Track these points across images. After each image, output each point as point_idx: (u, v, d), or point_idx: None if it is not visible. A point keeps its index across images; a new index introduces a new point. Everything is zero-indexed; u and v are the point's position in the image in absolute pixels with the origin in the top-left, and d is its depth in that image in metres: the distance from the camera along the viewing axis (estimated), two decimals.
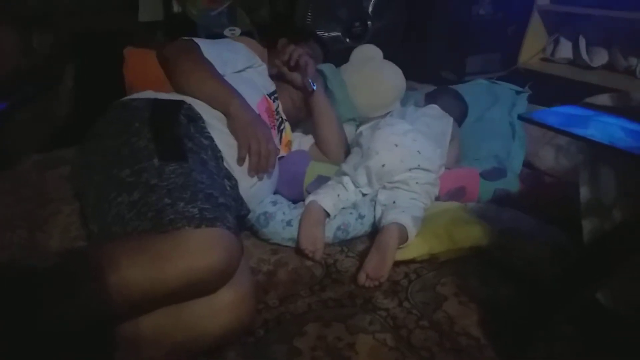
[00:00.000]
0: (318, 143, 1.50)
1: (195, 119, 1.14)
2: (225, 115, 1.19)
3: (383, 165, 1.30)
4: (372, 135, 1.36)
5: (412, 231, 1.17)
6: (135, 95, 1.19)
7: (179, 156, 0.99)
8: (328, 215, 1.26)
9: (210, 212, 0.88)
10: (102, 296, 0.76)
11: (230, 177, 1.15)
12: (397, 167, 1.30)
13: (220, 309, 0.84)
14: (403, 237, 1.16)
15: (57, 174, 1.53)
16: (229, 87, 1.22)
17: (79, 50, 1.44)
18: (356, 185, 1.32)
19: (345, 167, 1.37)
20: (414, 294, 1.09)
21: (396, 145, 1.32)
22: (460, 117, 1.65)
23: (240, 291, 0.86)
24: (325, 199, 1.25)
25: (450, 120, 1.54)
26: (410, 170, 1.30)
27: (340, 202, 1.28)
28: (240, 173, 1.17)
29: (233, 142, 1.17)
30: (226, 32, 2.38)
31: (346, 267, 1.19)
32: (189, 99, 1.17)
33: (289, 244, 1.24)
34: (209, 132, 1.14)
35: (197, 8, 2.67)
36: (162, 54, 1.28)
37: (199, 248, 0.81)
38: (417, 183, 1.29)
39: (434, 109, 1.55)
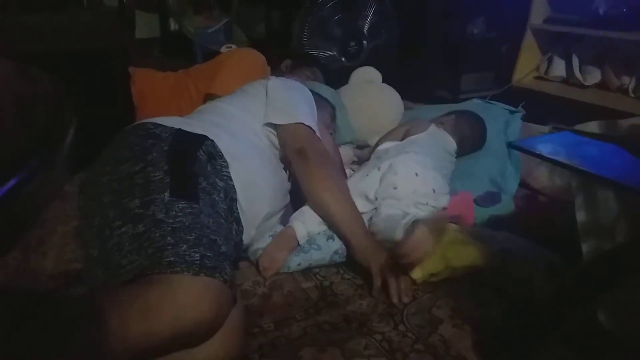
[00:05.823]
0: None
1: (216, 156, 1.11)
2: (348, 240, 1.21)
3: (395, 188, 1.29)
4: (397, 155, 1.36)
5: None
6: (159, 120, 1.14)
7: (190, 195, 0.96)
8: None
9: (211, 261, 0.85)
10: (94, 351, 0.73)
11: (239, 222, 1.14)
12: (407, 197, 1.28)
13: (208, 342, 0.82)
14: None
15: None
16: (360, 217, 1.24)
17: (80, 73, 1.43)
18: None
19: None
20: (409, 317, 1.09)
21: (416, 175, 1.31)
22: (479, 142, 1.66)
23: (229, 324, 0.85)
24: (301, 227, 1.24)
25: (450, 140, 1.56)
26: (416, 204, 1.29)
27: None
28: (249, 219, 1.16)
29: (247, 187, 1.15)
30: (223, 49, 2.41)
31: (342, 289, 1.18)
32: (212, 134, 1.14)
33: (284, 269, 1.23)
34: (227, 172, 1.12)
35: (193, 25, 2.71)
36: (300, 149, 1.25)
37: (191, 298, 0.78)
38: (419, 209, 1.29)
39: (445, 141, 1.55)
